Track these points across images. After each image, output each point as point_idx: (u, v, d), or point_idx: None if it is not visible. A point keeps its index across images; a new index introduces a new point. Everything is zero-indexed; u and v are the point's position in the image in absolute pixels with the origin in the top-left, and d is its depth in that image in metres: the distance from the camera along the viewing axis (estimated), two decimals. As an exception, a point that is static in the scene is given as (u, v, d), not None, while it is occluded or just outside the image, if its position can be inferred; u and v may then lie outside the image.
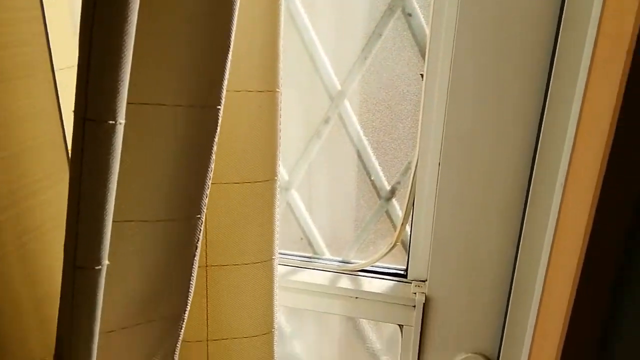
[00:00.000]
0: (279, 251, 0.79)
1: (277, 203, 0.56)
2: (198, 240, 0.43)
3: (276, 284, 0.59)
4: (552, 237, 0.55)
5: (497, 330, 0.66)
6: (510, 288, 0.63)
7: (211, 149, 0.40)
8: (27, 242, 0.43)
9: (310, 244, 0.78)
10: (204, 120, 0.39)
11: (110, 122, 0.27)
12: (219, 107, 0.39)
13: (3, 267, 0.41)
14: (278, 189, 0.55)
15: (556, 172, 0.55)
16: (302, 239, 0.78)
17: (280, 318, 0.83)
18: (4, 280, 0.42)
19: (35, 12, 0.41)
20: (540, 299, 0.59)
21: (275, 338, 0.61)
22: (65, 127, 0.44)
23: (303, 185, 0.76)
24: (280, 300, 0.74)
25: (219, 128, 0.40)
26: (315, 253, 0.78)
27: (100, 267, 0.31)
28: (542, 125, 0.55)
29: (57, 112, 0.43)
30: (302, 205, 0.77)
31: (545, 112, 0.55)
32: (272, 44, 0.49)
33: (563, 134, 0.54)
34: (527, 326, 0.63)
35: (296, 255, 0.79)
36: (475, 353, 0.67)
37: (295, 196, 0.76)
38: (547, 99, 0.54)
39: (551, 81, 0.53)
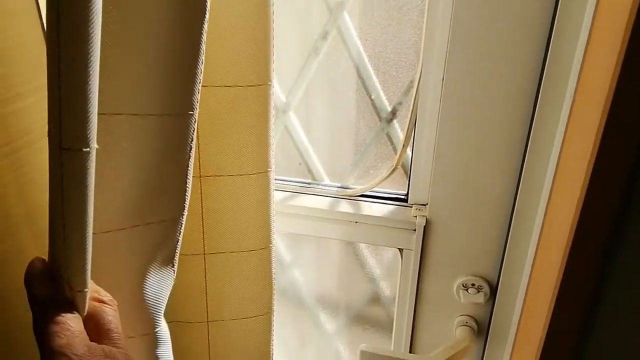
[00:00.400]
0: (277, 177, 0.81)
1: (272, 112, 0.55)
2: (192, 140, 0.43)
3: (272, 198, 0.60)
4: (556, 162, 0.55)
5: (497, 253, 0.67)
6: (512, 211, 0.64)
7: (201, 35, 0.39)
8: (17, 149, 0.43)
9: (309, 169, 0.80)
10: (190, 5, 0.38)
11: None
12: None
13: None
14: (272, 96, 0.54)
15: (564, 93, 0.54)
16: (300, 164, 0.80)
17: (280, 246, 0.87)
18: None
19: None
20: (543, 221, 0.60)
21: (273, 254, 0.63)
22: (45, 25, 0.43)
23: (301, 107, 0.75)
24: (279, 225, 0.77)
25: (207, 12, 0.39)
26: (314, 179, 0.80)
27: (88, 149, 0.30)
28: (552, 37, 0.55)
29: (36, 8, 0.42)
30: (301, 128, 0.78)
31: (554, 26, 0.54)
32: None
33: (573, 47, 0.54)
34: (528, 248, 0.65)
35: (295, 181, 0.80)
36: (475, 276, 0.70)
37: (293, 119, 0.77)
38: (559, 4, 0.53)
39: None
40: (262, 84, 0.53)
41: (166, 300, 0.48)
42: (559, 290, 0.53)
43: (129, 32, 0.37)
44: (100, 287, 0.39)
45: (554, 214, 0.57)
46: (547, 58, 0.55)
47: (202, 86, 0.52)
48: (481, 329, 0.72)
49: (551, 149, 0.58)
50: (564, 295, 0.54)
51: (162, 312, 0.48)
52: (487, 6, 0.55)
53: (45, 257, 0.37)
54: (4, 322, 0.45)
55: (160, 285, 0.47)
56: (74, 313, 0.35)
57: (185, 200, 0.45)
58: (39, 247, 0.47)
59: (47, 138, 0.31)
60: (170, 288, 0.48)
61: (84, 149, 0.30)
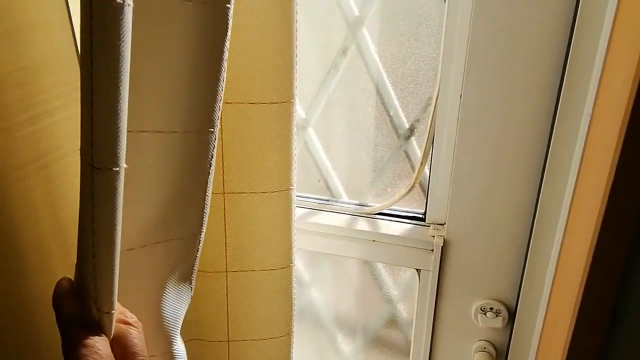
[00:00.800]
0: (297, 194, 0.84)
1: (294, 130, 0.57)
2: (212, 157, 0.44)
3: (294, 216, 0.61)
4: (574, 182, 0.56)
5: (515, 275, 0.67)
6: (530, 233, 0.64)
7: (223, 52, 0.41)
8: (48, 164, 0.46)
9: (328, 186, 0.82)
10: (215, 19, 0.39)
11: (119, 0, 0.28)
12: (229, 5, 0.40)
13: (24, 187, 0.43)
14: (295, 114, 0.56)
15: (581, 111, 0.55)
16: (319, 181, 0.83)
17: (298, 264, 0.90)
18: (25, 201, 0.44)
19: None
20: (561, 245, 0.60)
21: (294, 273, 0.64)
22: (77, 41, 0.45)
23: (320, 123, 0.78)
24: (298, 243, 0.80)
25: (229, 30, 0.41)
26: (332, 196, 0.83)
27: (118, 168, 0.32)
28: (569, 55, 0.56)
29: (69, 23, 0.44)
30: (320, 145, 0.81)
31: (572, 41, 0.56)
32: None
33: (590, 67, 0.55)
34: (546, 272, 0.63)
35: (314, 198, 0.82)
36: (494, 299, 0.71)
37: (313, 135, 0.80)
38: (576, 24, 0.55)
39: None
40: (286, 101, 0.55)
41: (182, 318, 0.49)
42: (577, 317, 0.54)
43: (154, 48, 0.39)
44: (121, 305, 0.40)
45: (572, 237, 0.57)
46: (565, 75, 0.57)
47: (226, 103, 0.54)
48: (499, 354, 0.72)
49: (569, 168, 0.59)
50: (582, 322, 0.54)
51: (179, 329, 0.49)
52: (504, 24, 0.57)
53: (72, 273, 0.38)
54: (31, 334, 0.47)
55: (178, 303, 0.48)
56: (101, 335, 0.36)
57: (204, 216, 0.47)
58: (66, 263, 0.50)
59: (77, 153, 0.34)
60: (187, 306, 0.49)
61: (114, 169, 0.32)
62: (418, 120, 0.73)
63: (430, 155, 0.70)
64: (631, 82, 0.44)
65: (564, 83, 0.57)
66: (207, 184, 0.46)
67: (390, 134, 0.75)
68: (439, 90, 0.65)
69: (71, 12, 0.45)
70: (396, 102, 0.73)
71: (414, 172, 0.74)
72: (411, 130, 0.74)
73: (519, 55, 0.58)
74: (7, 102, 0.39)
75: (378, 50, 0.71)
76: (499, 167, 0.64)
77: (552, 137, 0.59)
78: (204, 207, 0.46)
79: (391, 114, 0.73)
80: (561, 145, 0.59)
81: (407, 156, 0.75)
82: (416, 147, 0.74)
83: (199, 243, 0.47)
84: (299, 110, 0.79)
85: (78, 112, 0.32)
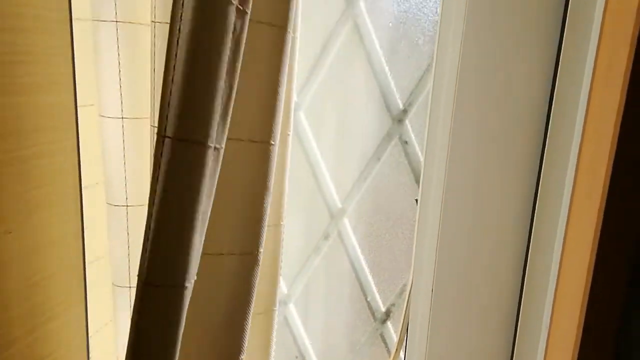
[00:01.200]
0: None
1: (274, 334, 0.63)
2: (256, 276, 0.52)
3: None
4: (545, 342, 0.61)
5: None
6: None
7: (268, 182, 0.51)
8: None
9: (305, 363, 0.85)
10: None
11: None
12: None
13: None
14: (275, 323, 0.62)
15: (546, 284, 0.62)
16: (297, 357, 0.86)
17: None
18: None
19: (70, 133, 0.51)
20: None
21: None
22: (85, 252, 0.52)
23: (300, 300, 0.83)
24: None
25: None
26: (309, 374, 0.85)
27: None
28: (532, 233, 0.63)
29: (80, 237, 0.50)
30: (299, 321, 0.85)
31: (534, 219, 0.63)
32: (281, 176, 0.60)
33: (551, 253, 0.62)
34: None
35: None
36: None
37: (293, 311, 0.85)
38: (536, 207, 0.63)
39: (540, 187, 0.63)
40: (269, 310, 0.62)
41: None
42: None
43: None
44: None
45: None
46: (529, 258, 0.63)
47: None
48: None
49: (540, 333, 0.62)
50: None
51: None
52: (469, 227, 0.66)
53: None
54: None
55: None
56: None
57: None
58: None
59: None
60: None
61: None
62: (394, 305, 0.78)
63: (405, 341, 0.74)
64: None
65: (527, 270, 0.63)
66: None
67: (367, 317, 0.80)
68: (412, 282, 0.71)
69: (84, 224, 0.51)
70: (373, 287, 0.79)
71: (389, 356, 0.77)
72: (387, 314, 0.79)
73: (484, 260, 0.65)
74: (15, 315, 0.43)
75: (357, 238, 0.79)
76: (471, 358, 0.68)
77: (520, 319, 0.64)
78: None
79: (368, 299, 0.79)
80: (528, 325, 0.64)
81: (383, 339, 0.79)
82: (392, 331, 0.79)
83: None
84: (282, 286, 0.84)
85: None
